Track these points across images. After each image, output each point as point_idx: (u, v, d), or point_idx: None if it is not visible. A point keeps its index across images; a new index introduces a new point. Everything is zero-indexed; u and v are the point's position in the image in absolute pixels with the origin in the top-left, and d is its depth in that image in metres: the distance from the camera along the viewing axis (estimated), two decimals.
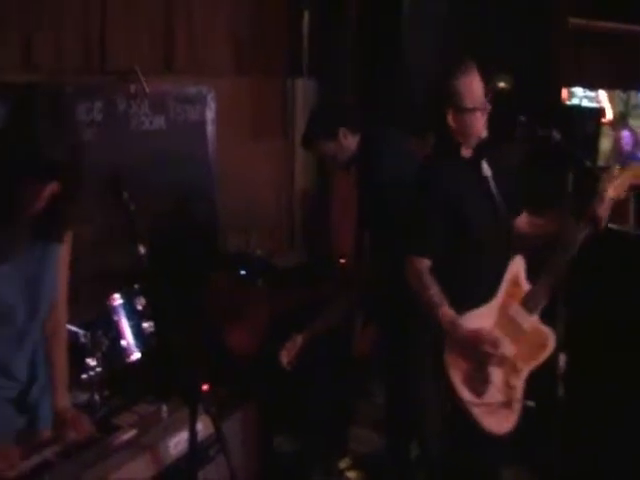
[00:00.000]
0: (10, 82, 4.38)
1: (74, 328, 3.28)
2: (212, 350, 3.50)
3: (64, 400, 2.54)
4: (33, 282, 2.39)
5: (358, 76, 5.14)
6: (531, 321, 3.04)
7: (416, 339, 3.23)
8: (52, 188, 2.19)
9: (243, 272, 4.32)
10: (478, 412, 2.93)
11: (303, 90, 5.46)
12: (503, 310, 3.04)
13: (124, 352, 3.52)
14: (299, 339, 3.72)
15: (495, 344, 2.91)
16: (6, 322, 2.37)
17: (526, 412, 3.03)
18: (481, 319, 2.99)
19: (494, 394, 2.96)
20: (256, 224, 5.08)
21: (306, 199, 5.60)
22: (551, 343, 3.05)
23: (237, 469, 2.20)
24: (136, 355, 3.55)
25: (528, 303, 3.04)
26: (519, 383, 3.01)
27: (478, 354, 2.91)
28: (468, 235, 3.02)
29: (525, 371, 3.02)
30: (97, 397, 3.35)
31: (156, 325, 3.59)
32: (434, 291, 2.93)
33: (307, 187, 5.60)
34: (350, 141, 3.70)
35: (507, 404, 2.97)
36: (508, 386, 2.99)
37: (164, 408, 2.51)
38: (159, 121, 4.88)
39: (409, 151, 3.69)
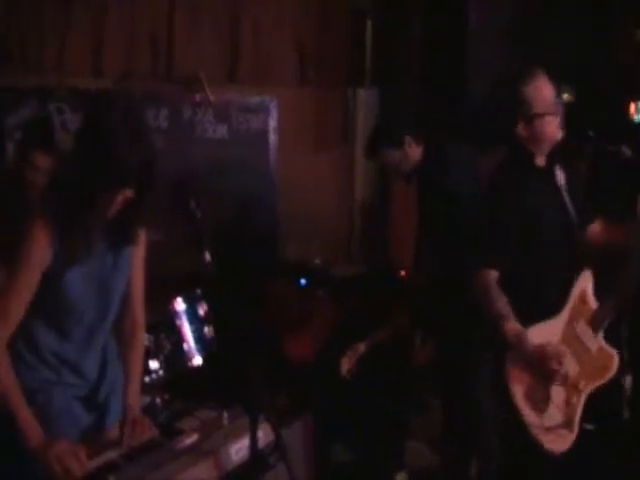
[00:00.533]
0: (80, 88, 4.53)
1: None
2: (271, 358, 3.53)
3: (135, 399, 2.57)
4: (105, 284, 2.44)
5: (421, 86, 5.10)
6: (596, 341, 2.97)
7: (476, 352, 3.20)
8: (127, 194, 2.25)
9: (303, 281, 4.34)
10: (537, 429, 2.90)
11: (365, 100, 5.49)
12: (569, 327, 2.98)
13: (185, 356, 3.57)
14: (361, 347, 3.72)
15: (560, 360, 2.85)
16: (78, 322, 2.43)
17: (584, 435, 2.96)
18: (547, 334, 2.93)
19: (554, 413, 2.91)
20: (316, 233, 5.11)
21: (366, 209, 5.61)
22: (615, 364, 2.97)
23: (296, 477, 2.21)
24: (197, 360, 3.59)
25: (594, 322, 2.97)
26: (580, 403, 2.95)
27: (542, 370, 2.86)
28: (539, 246, 2.96)
29: (586, 392, 2.95)
30: (159, 400, 3.43)
31: (217, 331, 3.63)
32: (501, 304, 2.88)
33: (367, 197, 5.61)
34: (414, 151, 3.70)
35: (566, 424, 2.91)
36: (568, 405, 2.93)
37: (225, 414, 2.53)
38: (222, 129, 4.96)
39: (474, 163, 3.67)
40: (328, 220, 5.43)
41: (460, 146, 3.83)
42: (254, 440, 2.21)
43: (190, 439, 2.42)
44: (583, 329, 2.97)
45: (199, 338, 3.64)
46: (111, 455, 2.33)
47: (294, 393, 3.38)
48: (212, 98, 4.76)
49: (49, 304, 2.36)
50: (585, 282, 3.02)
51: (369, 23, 5.44)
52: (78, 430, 2.45)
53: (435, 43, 4.85)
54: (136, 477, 2.18)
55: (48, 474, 2.19)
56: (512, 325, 2.85)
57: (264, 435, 2.30)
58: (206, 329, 3.68)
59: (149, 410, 3.35)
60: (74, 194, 2.25)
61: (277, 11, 5.12)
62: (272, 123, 5.10)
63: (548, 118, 2.94)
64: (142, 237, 2.54)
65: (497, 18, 4.87)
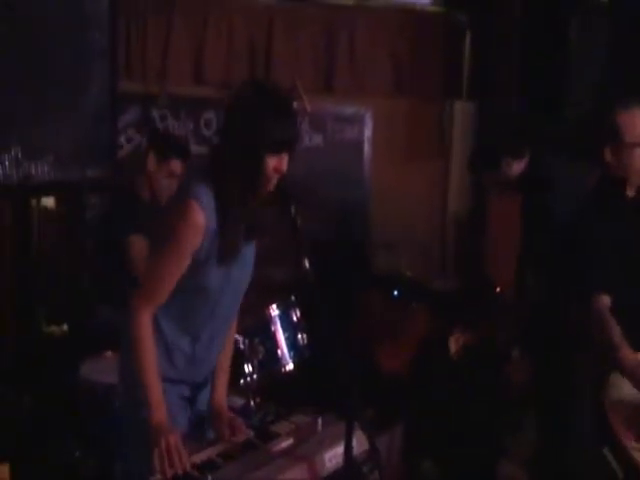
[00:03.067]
0: (183, 94, 4.67)
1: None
2: (363, 369, 3.53)
3: (222, 398, 2.62)
4: (235, 281, 2.46)
5: (520, 101, 5.03)
6: None
7: (578, 375, 3.14)
8: (286, 160, 2.32)
9: (396, 292, 4.34)
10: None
11: (462, 113, 5.46)
12: None
13: (279, 362, 3.60)
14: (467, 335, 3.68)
15: None
16: (209, 319, 2.46)
17: None
18: None
19: None
20: (408, 245, 5.10)
21: (460, 222, 5.58)
22: None
23: None
24: (290, 366, 3.62)
25: None
26: None
27: None
28: (634, 277, 2.92)
29: None
30: (252, 403, 3.48)
31: (310, 338, 3.65)
32: (616, 330, 2.83)
33: (461, 210, 5.57)
34: (514, 168, 3.66)
35: None
36: None
37: (319, 421, 2.54)
38: (317, 139, 5.02)
39: (580, 181, 3.59)
40: (421, 232, 5.42)
41: (566, 162, 3.75)
42: (349, 448, 2.21)
43: (285, 443, 2.42)
44: None
45: (292, 344, 3.66)
46: (210, 453, 2.37)
47: (384, 405, 3.37)
48: (308, 107, 4.82)
49: (187, 296, 2.38)
50: None
51: (467, 35, 5.42)
52: (183, 429, 2.49)
53: (534, 57, 4.77)
54: (233, 477, 2.20)
55: (152, 457, 2.23)
56: (629, 354, 2.80)
57: (358, 444, 2.29)
58: (299, 336, 3.70)
59: (243, 412, 3.43)
60: (230, 173, 2.29)
61: (373, 22, 5.17)
62: (367, 133, 5.15)
63: (638, 150, 2.89)
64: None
65: (598, 35, 4.76)
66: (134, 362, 2.33)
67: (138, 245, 3.39)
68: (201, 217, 2.26)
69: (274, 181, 2.33)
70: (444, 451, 3.73)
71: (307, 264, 2.42)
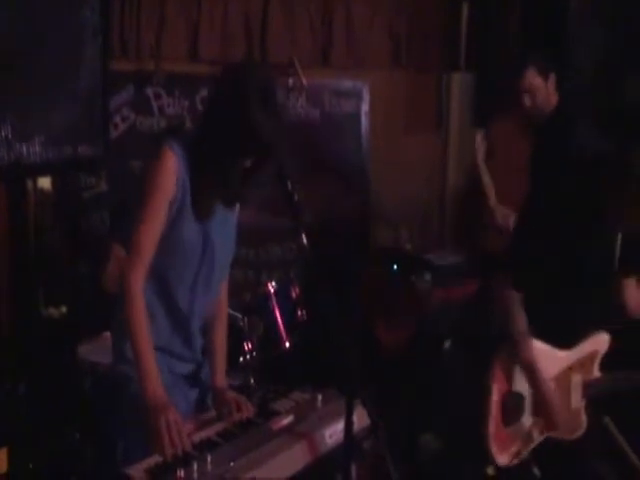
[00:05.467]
0: (178, 72, 4.62)
1: (232, 312, 3.39)
2: (362, 344, 3.52)
3: (223, 379, 2.62)
4: (213, 244, 2.45)
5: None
6: (579, 403, 2.96)
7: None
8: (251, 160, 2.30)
9: (395, 267, 4.32)
10: (495, 430, 2.87)
11: (460, 84, 5.42)
12: (567, 372, 2.95)
13: (278, 338, 3.60)
14: None
15: (560, 413, 2.87)
16: (185, 279, 2.44)
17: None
18: (550, 361, 2.91)
19: (514, 431, 2.91)
20: (406, 219, 5.09)
21: (459, 195, 5.55)
22: (579, 433, 2.96)
23: (392, 463, 2.20)
24: (289, 342, 3.62)
25: (589, 389, 2.96)
26: (536, 440, 2.94)
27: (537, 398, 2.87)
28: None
29: (546, 435, 2.94)
30: (252, 381, 3.48)
31: (309, 314, 3.65)
32: (521, 322, 2.84)
33: (460, 183, 5.55)
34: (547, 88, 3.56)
35: (516, 449, 2.91)
36: (528, 435, 2.93)
37: (319, 397, 2.54)
38: (315, 113, 4.99)
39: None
40: (419, 206, 5.41)
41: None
42: (349, 424, 2.21)
43: (286, 420, 2.42)
44: (576, 384, 2.96)
45: (291, 321, 3.66)
46: (209, 433, 2.37)
47: (384, 380, 3.37)
48: (305, 82, 4.79)
49: (166, 252, 2.38)
50: (600, 345, 2.99)
51: (465, 6, 5.36)
52: (184, 408, 2.48)
53: (533, 27, 4.71)
54: (234, 455, 2.18)
55: (150, 435, 2.21)
56: (530, 345, 2.85)
57: (358, 420, 2.28)
58: (298, 312, 3.69)
59: (242, 390, 3.42)
60: (207, 152, 2.31)
61: None
62: (364, 107, 5.12)
63: None
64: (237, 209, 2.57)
65: (597, 1, 4.71)
66: (126, 327, 2.32)
67: None
68: (173, 162, 2.29)
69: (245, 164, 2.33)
70: (444, 425, 3.72)
71: (305, 240, 2.42)
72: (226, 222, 2.50)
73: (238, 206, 2.58)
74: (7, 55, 3.58)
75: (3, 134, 3.55)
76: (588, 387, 2.96)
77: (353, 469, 2.27)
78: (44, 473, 3.33)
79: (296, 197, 2.40)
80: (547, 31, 4.53)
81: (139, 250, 2.33)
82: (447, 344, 3.58)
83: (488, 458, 3.37)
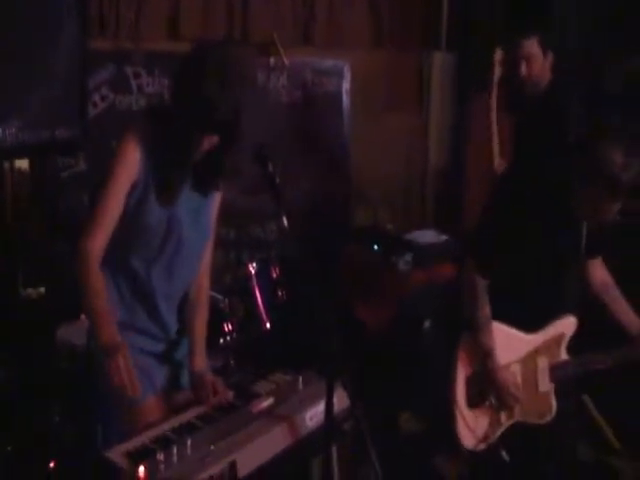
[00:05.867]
0: (157, 50, 4.58)
1: (213, 293, 3.39)
2: (342, 324, 3.52)
3: (202, 363, 2.62)
4: (183, 230, 2.47)
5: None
6: (548, 385, 2.95)
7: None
8: (212, 140, 2.31)
9: (375, 247, 4.32)
10: (460, 413, 2.90)
11: (441, 64, 5.39)
12: (533, 355, 2.96)
13: (259, 319, 3.60)
14: None
15: (514, 400, 2.89)
16: (154, 259, 2.46)
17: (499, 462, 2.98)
18: (515, 344, 2.93)
19: (480, 416, 2.93)
20: (387, 198, 5.09)
21: (439, 175, 5.54)
22: (549, 416, 2.96)
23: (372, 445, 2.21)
24: (269, 323, 3.62)
25: (556, 372, 2.95)
26: (504, 425, 2.96)
27: (494, 392, 2.89)
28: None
29: (515, 420, 2.96)
30: (232, 362, 3.48)
31: (290, 294, 3.65)
32: (483, 312, 2.86)
33: (441, 163, 5.54)
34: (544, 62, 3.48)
35: (483, 435, 2.93)
36: (496, 420, 2.95)
37: (300, 379, 2.54)
38: (296, 93, 4.96)
39: None
40: (400, 186, 5.40)
41: None
42: (330, 406, 2.21)
43: (266, 402, 2.42)
44: (543, 367, 2.96)
45: (272, 302, 3.66)
46: (188, 416, 2.38)
47: (364, 360, 3.37)
48: (286, 61, 4.77)
49: (128, 232, 2.41)
50: (567, 328, 2.99)
51: None
52: (154, 386, 2.51)
53: (516, 5, 4.67)
54: (213, 438, 2.19)
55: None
56: (487, 337, 2.86)
57: (338, 401, 2.29)
58: (279, 293, 3.69)
59: (222, 372, 3.43)
60: (166, 127, 2.32)
61: None
62: (345, 86, 5.09)
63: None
64: (218, 197, 2.58)
65: None
66: (79, 284, 2.34)
67: None
68: (135, 143, 2.32)
69: (205, 147, 2.35)
70: (423, 405, 3.74)
71: (285, 222, 2.42)
72: (199, 209, 2.50)
73: (218, 194, 2.58)
74: None
75: None
76: (555, 370, 2.96)
77: (334, 450, 2.29)
78: (23, 456, 3.32)
79: (277, 179, 2.41)
80: (531, 13, 4.49)
81: (98, 220, 2.35)
82: (427, 324, 3.59)
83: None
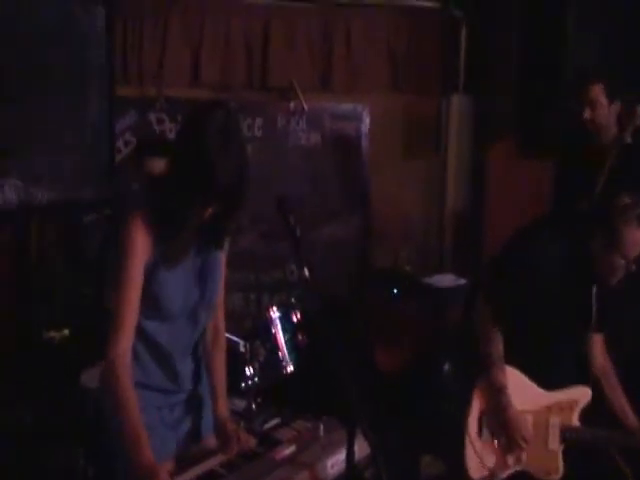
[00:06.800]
0: (179, 97, 4.68)
1: (234, 338, 3.44)
2: (361, 368, 3.53)
3: (225, 408, 2.59)
4: (195, 287, 2.45)
5: (519, 94, 4.97)
6: (557, 446, 2.98)
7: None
8: (216, 207, 2.27)
9: (395, 291, 4.35)
10: (472, 444, 2.94)
11: (458, 106, 5.45)
12: (546, 412, 3.00)
13: (280, 363, 3.62)
14: None
15: (523, 441, 2.92)
16: (169, 324, 2.44)
17: None
18: (530, 395, 2.97)
19: (489, 453, 2.97)
20: (406, 240, 5.12)
21: (458, 218, 5.58)
22: (555, 478, 2.98)
23: None
24: (291, 367, 3.64)
25: (568, 434, 2.98)
26: (511, 468, 2.99)
27: (506, 432, 2.93)
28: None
29: (521, 468, 2.99)
30: (254, 406, 3.50)
31: (310, 339, 3.67)
32: (497, 349, 2.91)
33: (459, 206, 5.57)
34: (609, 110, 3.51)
35: (491, 471, 2.97)
36: (504, 461, 2.98)
37: (321, 426, 2.56)
38: (315, 137, 5.04)
39: None
40: (418, 229, 5.44)
41: None
42: (351, 454, 2.24)
43: (288, 450, 2.44)
44: (554, 425, 2.99)
45: (293, 346, 3.68)
46: (212, 463, 2.38)
47: (383, 404, 3.38)
48: (305, 106, 4.85)
49: (140, 302, 2.35)
50: (581, 397, 3.03)
51: (464, 30, 5.41)
52: (172, 445, 2.49)
53: (533, 49, 4.71)
54: None
55: None
56: (499, 375, 2.92)
57: (359, 449, 2.32)
58: (300, 337, 3.71)
59: (244, 415, 3.45)
60: (168, 200, 2.27)
61: (369, 19, 5.17)
62: (364, 130, 5.15)
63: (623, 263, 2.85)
64: (226, 244, 2.55)
65: (597, 23, 4.72)
66: (114, 405, 2.27)
67: None
68: (142, 233, 2.27)
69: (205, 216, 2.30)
70: (443, 446, 3.74)
71: (307, 273, 2.45)
72: (206, 269, 2.47)
73: (223, 251, 2.56)
74: (13, 93, 3.63)
75: (12, 177, 3.60)
76: (566, 432, 2.99)
77: None
78: None
79: (298, 232, 2.44)
80: (545, 54, 4.53)
81: (121, 323, 2.29)
82: (446, 368, 3.61)
83: None
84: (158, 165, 3.59)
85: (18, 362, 4.02)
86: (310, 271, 2.45)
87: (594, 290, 2.96)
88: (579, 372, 3.06)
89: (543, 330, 2.92)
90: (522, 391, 2.95)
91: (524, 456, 2.97)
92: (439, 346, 3.83)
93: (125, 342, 2.29)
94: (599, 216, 2.84)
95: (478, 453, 2.95)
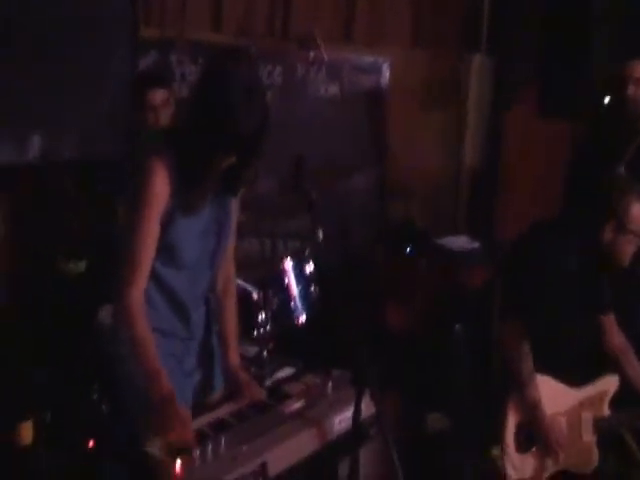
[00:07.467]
0: (199, 40, 4.65)
1: (248, 286, 3.48)
2: (370, 324, 3.57)
3: (236, 357, 2.64)
4: (209, 234, 2.49)
5: (541, 55, 4.93)
6: (591, 438, 3.06)
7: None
8: (236, 156, 2.29)
9: (408, 250, 4.37)
10: (510, 458, 3.00)
11: (479, 67, 5.41)
12: (578, 408, 3.07)
13: (292, 313, 3.65)
14: None
15: (560, 447, 2.99)
16: (181, 272, 2.47)
17: None
18: (560, 397, 3.05)
19: (527, 460, 3.03)
20: (421, 196, 5.14)
21: (473, 176, 5.58)
22: (592, 467, 3.06)
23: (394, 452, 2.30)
24: (303, 317, 3.68)
25: (600, 423, 3.06)
26: (548, 471, 3.06)
27: (542, 437, 2.99)
28: None
29: (560, 467, 3.06)
30: (265, 353, 3.57)
31: (323, 294, 3.70)
32: (526, 367, 2.96)
33: (475, 164, 5.57)
34: None
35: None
36: (541, 466, 3.05)
37: (330, 383, 2.61)
38: (334, 88, 5.02)
39: None
40: (434, 186, 5.45)
41: None
42: (357, 413, 2.31)
43: (297, 404, 2.49)
44: (587, 419, 3.07)
45: (305, 297, 3.70)
46: (222, 412, 2.43)
47: (391, 360, 3.43)
48: (326, 56, 4.83)
49: (158, 252, 2.38)
50: (609, 385, 3.11)
51: None
52: (186, 391, 2.53)
53: (556, 12, 4.66)
54: (246, 438, 2.25)
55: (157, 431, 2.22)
56: (531, 392, 2.97)
57: (366, 407, 2.37)
58: (312, 288, 3.75)
59: (255, 361, 3.53)
60: (191, 148, 2.29)
61: None
62: (384, 83, 5.13)
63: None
64: (237, 201, 2.59)
65: None
66: (131, 346, 2.32)
67: None
68: (162, 177, 2.29)
69: (228, 163, 2.31)
70: (451, 405, 3.79)
71: (321, 235, 2.50)
72: (222, 216, 2.51)
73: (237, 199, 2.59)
74: (34, 46, 3.61)
75: (35, 134, 3.61)
76: (599, 422, 3.07)
77: (360, 454, 2.38)
78: (63, 433, 3.36)
79: (314, 195, 2.48)
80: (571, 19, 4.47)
81: (136, 266, 2.32)
82: (457, 328, 3.67)
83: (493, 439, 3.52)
84: (159, 95, 3.64)
85: (35, 292, 4.06)
86: (324, 234, 2.50)
87: (606, 275, 3.04)
88: (596, 357, 3.13)
89: (559, 321, 3.00)
90: (553, 395, 3.03)
91: (561, 457, 3.05)
92: (451, 307, 3.87)
93: (140, 284, 2.33)
94: (602, 202, 2.90)
95: (517, 466, 3.01)
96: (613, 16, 4.43)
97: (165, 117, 3.67)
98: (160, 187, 2.30)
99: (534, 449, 3.04)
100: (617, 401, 3.11)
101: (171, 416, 2.20)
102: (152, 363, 2.29)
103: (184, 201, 2.36)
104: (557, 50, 4.69)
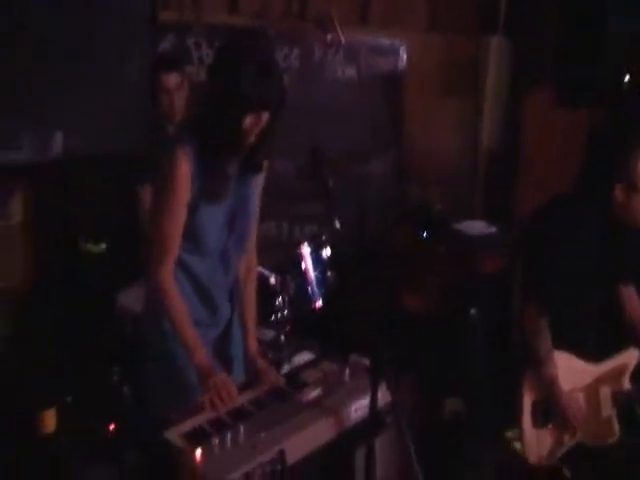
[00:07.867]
0: (217, 24, 4.65)
1: (265, 271, 3.51)
2: (386, 308, 3.58)
3: (255, 345, 2.70)
4: (234, 218, 2.55)
5: (557, 39, 4.90)
6: (610, 412, 3.06)
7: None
8: (265, 118, 2.34)
9: (425, 234, 4.37)
10: (529, 434, 3.00)
11: (497, 48, 5.37)
12: (597, 382, 3.08)
13: (309, 298, 3.68)
14: None
15: (577, 422, 3.00)
16: (206, 255, 2.55)
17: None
18: (578, 373, 3.05)
19: (545, 435, 3.04)
20: (438, 183, 5.13)
21: (491, 159, 5.56)
22: (612, 440, 3.07)
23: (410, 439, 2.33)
24: (320, 302, 3.71)
25: (619, 396, 3.07)
26: (567, 445, 3.07)
27: (559, 412, 3.00)
28: None
29: (578, 439, 3.07)
30: (282, 337, 3.60)
31: (340, 279, 3.73)
32: (545, 345, 2.96)
33: (493, 147, 5.55)
34: None
35: (549, 452, 3.05)
36: (559, 439, 3.06)
37: (347, 371, 2.64)
38: (351, 70, 5.01)
39: None
40: (451, 170, 5.44)
41: None
42: (374, 402, 2.34)
43: (314, 393, 2.52)
44: (606, 394, 3.07)
45: (322, 282, 3.73)
46: (241, 399, 2.45)
47: (408, 344, 3.46)
48: (343, 39, 4.81)
49: (184, 239, 2.46)
50: (630, 359, 3.11)
51: None
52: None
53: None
54: (264, 426, 2.28)
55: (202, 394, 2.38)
56: (549, 369, 2.97)
57: (382, 395, 2.39)
58: (329, 273, 3.77)
59: (272, 345, 3.57)
60: (210, 129, 2.35)
61: None
62: (401, 66, 5.11)
63: None
64: (262, 177, 2.64)
65: None
66: (169, 321, 2.46)
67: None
68: (187, 162, 2.35)
69: (252, 135, 2.37)
70: (467, 388, 3.81)
71: (338, 224, 2.52)
72: (245, 195, 2.56)
73: (261, 175, 2.64)
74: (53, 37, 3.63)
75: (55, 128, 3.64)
76: (618, 396, 3.09)
77: (376, 442, 2.41)
78: (84, 415, 3.40)
79: (331, 183, 2.50)
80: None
81: (166, 246, 2.42)
82: (473, 312, 3.68)
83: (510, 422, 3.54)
84: (173, 79, 3.71)
85: (57, 273, 4.10)
86: (341, 218, 2.51)
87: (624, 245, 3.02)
88: (614, 331, 3.14)
89: (578, 294, 2.99)
90: (571, 371, 3.03)
91: (579, 432, 3.06)
92: (467, 292, 3.88)
93: (170, 263, 2.44)
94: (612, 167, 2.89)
95: (534, 442, 3.03)
96: None
97: (179, 100, 3.72)
98: (185, 173, 2.36)
99: (550, 425, 3.05)
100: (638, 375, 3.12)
101: (217, 379, 2.37)
102: (190, 332, 2.43)
103: (207, 189, 2.41)
104: (574, 31, 4.65)
